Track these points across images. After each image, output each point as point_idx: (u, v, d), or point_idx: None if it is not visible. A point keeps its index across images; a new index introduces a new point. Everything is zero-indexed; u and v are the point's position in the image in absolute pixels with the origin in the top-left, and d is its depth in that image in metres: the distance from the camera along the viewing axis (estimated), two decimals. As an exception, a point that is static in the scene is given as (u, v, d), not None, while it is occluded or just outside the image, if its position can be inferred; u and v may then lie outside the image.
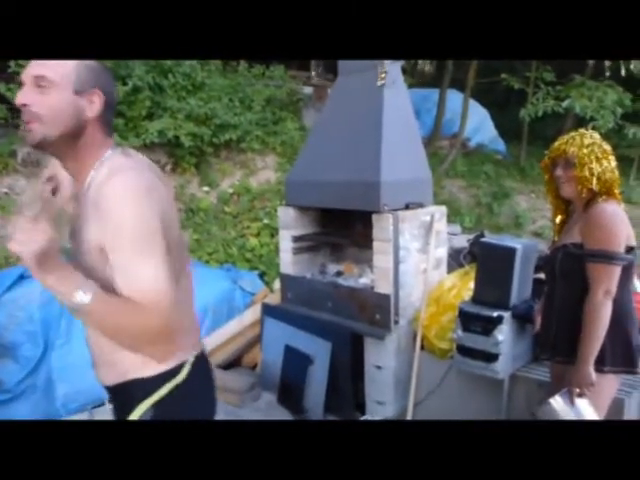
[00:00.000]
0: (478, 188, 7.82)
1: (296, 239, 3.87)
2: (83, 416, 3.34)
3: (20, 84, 1.29)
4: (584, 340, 2.02)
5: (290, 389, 3.60)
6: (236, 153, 6.67)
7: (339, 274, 3.85)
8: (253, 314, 4.19)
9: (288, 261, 3.89)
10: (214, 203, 6.16)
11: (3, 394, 3.35)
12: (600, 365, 2.05)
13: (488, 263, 2.88)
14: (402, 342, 3.35)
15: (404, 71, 3.70)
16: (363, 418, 3.32)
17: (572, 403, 2.02)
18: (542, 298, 2.37)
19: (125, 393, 1.41)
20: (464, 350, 2.90)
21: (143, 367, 1.36)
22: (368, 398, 3.44)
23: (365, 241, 3.44)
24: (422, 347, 3.28)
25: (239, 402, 3.59)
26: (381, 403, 3.36)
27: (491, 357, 2.80)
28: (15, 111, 4.95)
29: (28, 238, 1.11)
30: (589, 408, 2.03)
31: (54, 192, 1.44)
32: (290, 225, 3.86)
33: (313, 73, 8.69)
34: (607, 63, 8.92)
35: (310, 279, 3.82)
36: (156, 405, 1.37)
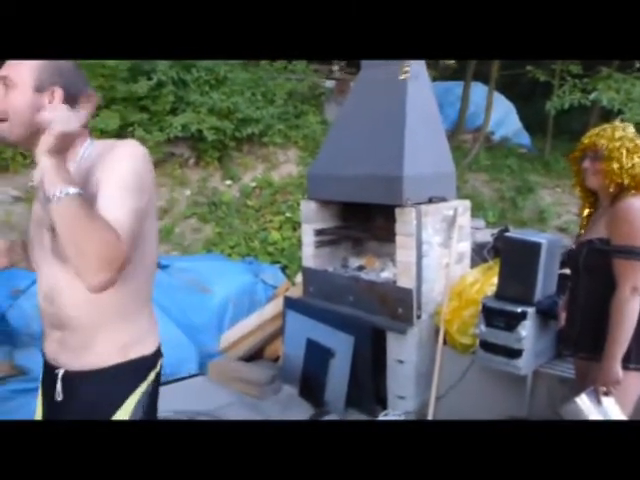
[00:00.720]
0: (502, 182, 7.72)
1: (318, 233, 3.88)
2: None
3: None
4: (611, 337, 1.99)
5: (311, 382, 3.61)
6: (258, 147, 6.69)
7: (361, 268, 3.85)
8: (275, 307, 4.21)
9: (310, 254, 3.90)
10: (236, 197, 6.20)
11: (30, 382, 3.42)
12: (626, 362, 2.01)
13: (512, 258, 2.85)
14: (424, 336, 3.34)
15: (427, 64, 3.67)
16: (384, 412, 3.32)
17: (598, 402, 1.99)
18: (567, 294, 2.33)
19: (100, 381, 1.35)
20: (487, 345, 2.87)
21: (126, 351, 1.37)
22: (389, 392, 3.43)
23: (387, 235, 3.43)
24: (444, 342, 3.26)
25: (260, 394, 3.62)
26: (402, 397, 3.36)
27: (514, 353, 2.77)
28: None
29: (68, 117, 1.21)
30: (615, 407, 2.00)
31: None
32: (312, 219, 3.86)
33: (335, 67, 8.65)
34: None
35: (332, 273, 3.82)
36: (145, 394, 1.38)
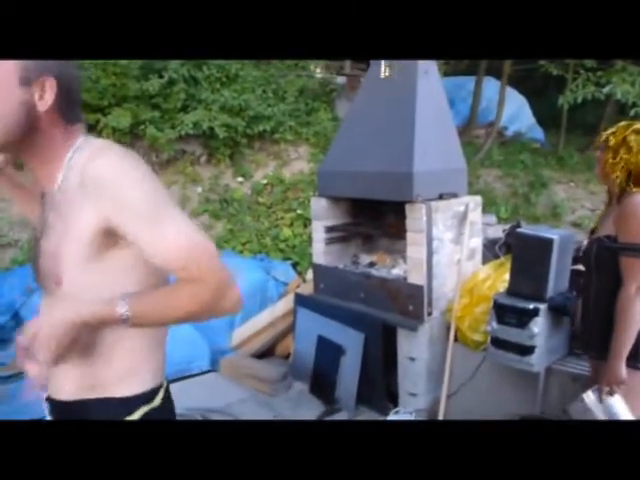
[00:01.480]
0: (514, 177, 7.66)
1: (328, 229, 3.87)
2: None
3: None
4: (615, 336, 1.97)
5: (322, 379, 3.61)
6: (269, 144, 6.69)
7: (371, 265, 3.84)
8: (286, 304, 4.21)
9: (320, 251, 3.90)
10: (248, 194, 6.21)
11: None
12: (633, 362, 1.99)
13: (524, 254, 2.83)
14: (435, 333, 3.32)
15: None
16: (395, 410, 3.32)
17: (602, 401, 1.97)
18: (580, 291, 2.32)
19: (84, 412, 1.22)
20: (498, 342, 2.85)
21: (116, 385, 1.20)
22: (401, 389, 3.42)
23: (397, 232, 3.42)
24: (455, 339, 3.25)
25: (271, 391, 3.63)
26: (413, 394, 3.35)
27: (526, 350, 2.75)
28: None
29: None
30: (622, 406, 1.97)
31: None
32: (322, 216, 3.86)
33: (346, 63, 8.62)
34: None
35: (342, 269, 3.82)
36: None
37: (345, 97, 7.61)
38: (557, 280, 2.78)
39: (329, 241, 3.90)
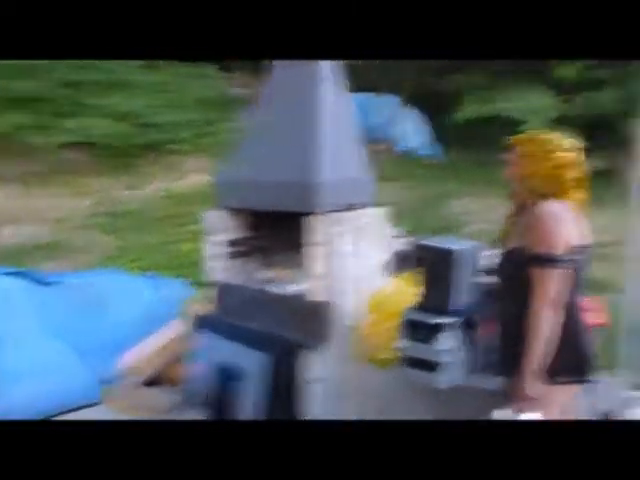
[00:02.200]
0: (413, 190, 7.85)
1: (226, 244, 3.68)
2: None
3: None
4: (526, 351, 1.90)
5: (219, 406, 3.36)
6: (166, 155, 6.38)
7: (271, 281, 3.67)
8: (179, 325, 3.93)
9: (216, 267, 3.69)
10: (140, 207, 5.82)
11: None
12: (549, 376, 1.92)
13: (427, 266, 2.80)
14: (341, 352, 3.18)
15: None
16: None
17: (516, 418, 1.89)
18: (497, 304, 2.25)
19: None
20: (407, 359, 2.77)
21: None
22: (308, 412, 3.24)
23: (300, 245, 3.29)
24: (362, 357, 3.13)
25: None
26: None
27: (434, 366, 2.67)
28: None
29: None
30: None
31: None
32: (219, 229, 3.66)
33: (237, 73, 8.54)
34: (541, 66, 9.08)
35: (241, 287, 3.62)
36: None
37: (247, 107, 7.46)
38: (461, 292, 2.72)
39: (226, 256, 3.70)
